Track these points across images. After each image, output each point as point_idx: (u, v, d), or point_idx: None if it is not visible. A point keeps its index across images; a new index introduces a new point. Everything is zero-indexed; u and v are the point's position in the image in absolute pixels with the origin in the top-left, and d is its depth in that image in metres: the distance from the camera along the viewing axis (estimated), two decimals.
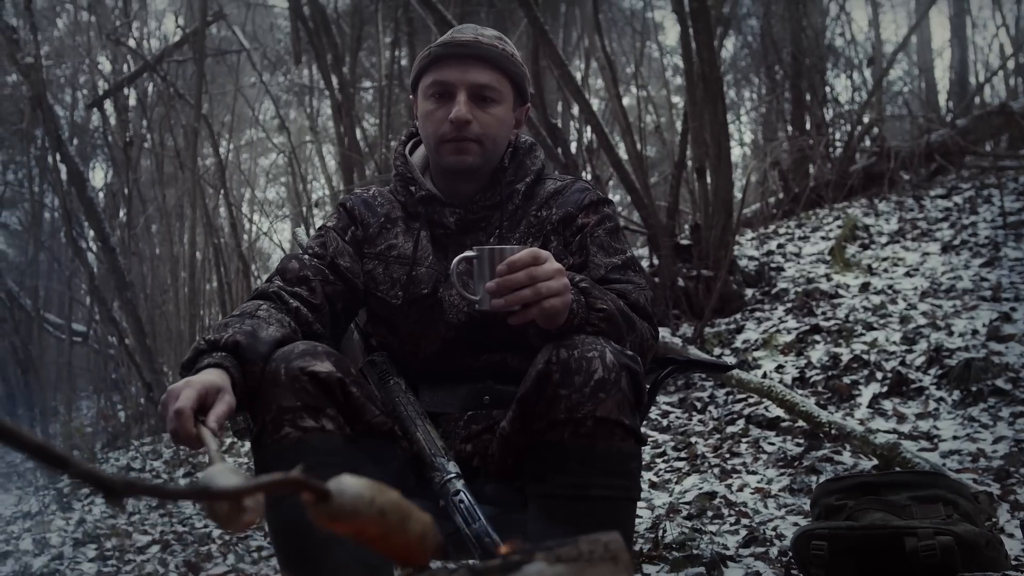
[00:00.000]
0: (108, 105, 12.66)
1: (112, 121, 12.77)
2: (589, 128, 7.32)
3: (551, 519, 1.72)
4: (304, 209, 12.50)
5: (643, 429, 1.84)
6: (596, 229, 2.07)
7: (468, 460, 1.94)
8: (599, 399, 1.69)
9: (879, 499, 2.39)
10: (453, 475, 1.78)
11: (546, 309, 1.68)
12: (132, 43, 12.63)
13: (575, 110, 10.99)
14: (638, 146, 7.47)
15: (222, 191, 11.78)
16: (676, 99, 17.18)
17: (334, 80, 9.60)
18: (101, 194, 14.01)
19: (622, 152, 7.60)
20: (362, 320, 2.29)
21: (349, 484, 0.69)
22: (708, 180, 6.96)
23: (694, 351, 5.60)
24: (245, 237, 13.77)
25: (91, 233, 11.70)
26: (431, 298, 2.07)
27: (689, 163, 7.79)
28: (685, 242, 6.94)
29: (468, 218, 2.11)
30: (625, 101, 9.43)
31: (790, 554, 2.52)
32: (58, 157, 10.27)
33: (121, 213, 12.80)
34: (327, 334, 2.04)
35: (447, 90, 2.05)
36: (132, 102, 13.08)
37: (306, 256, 2.10)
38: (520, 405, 1.79)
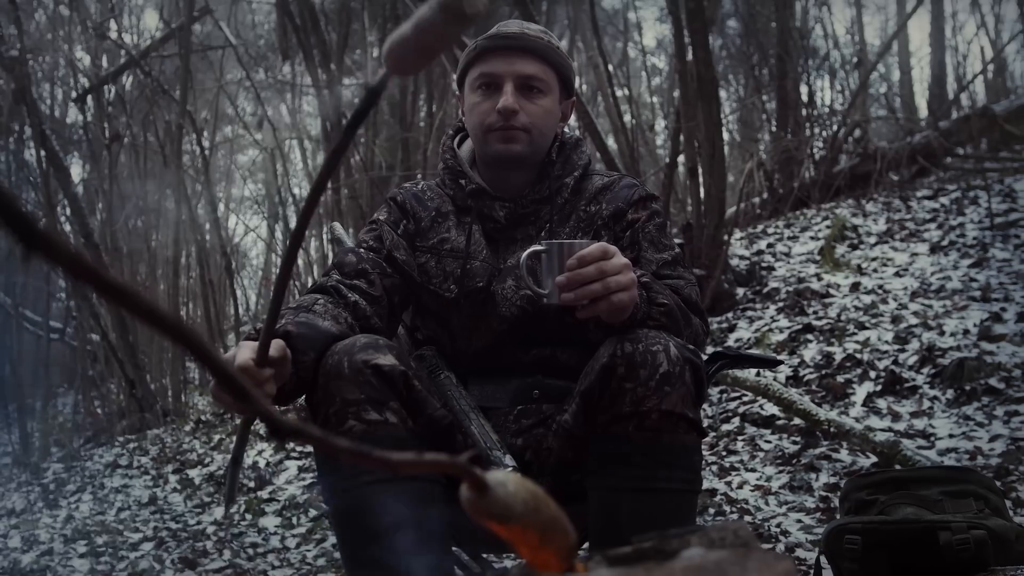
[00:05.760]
0: (88, 100, 12.54)
1: (91, 116, 12.63)
2: (580, 125, 7.31)
3: (614, 512, 1.73)
4: (284, 208, 12.44)
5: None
6: (646, 225, 2.08)
7: (520, 454, 1.94)
8: (664, 392, 1.69)
9: (911, 494, 2.40)
10: (510, 469, 1.78)
11: (614, 303, 1.68)
12: (114, 37, 12.52)
13: None
14: (630, 143, 7.49)
15: (204, 188, 11.72)
16: (655, 99, 17.22)
17: (321, 76, 9.55)
18: (79, 189, 13.88)
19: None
20: (407, 315, 2.29)
21: (507, 487, 0.69)
22: (700, 179, 6.98)
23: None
24: (223, 234, 13.68)
25: (68, 228, 11.60)
26: (484, 292, 2.07)
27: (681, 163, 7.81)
28: (677, 241, 6.94)
29: (518, 212, 2.11)
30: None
31: (818, 548, 2.53)
32: (42, 153, 10.15)
33: (99, 209, 12.68)
34: (384, 327, 2.03)
35: (494, 81, 2.06)
36: (112, 97, 12.97)
37: (362, 250, 2.10)
38: (583, 399, 1.79)
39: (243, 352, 1.61)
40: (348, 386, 1.72)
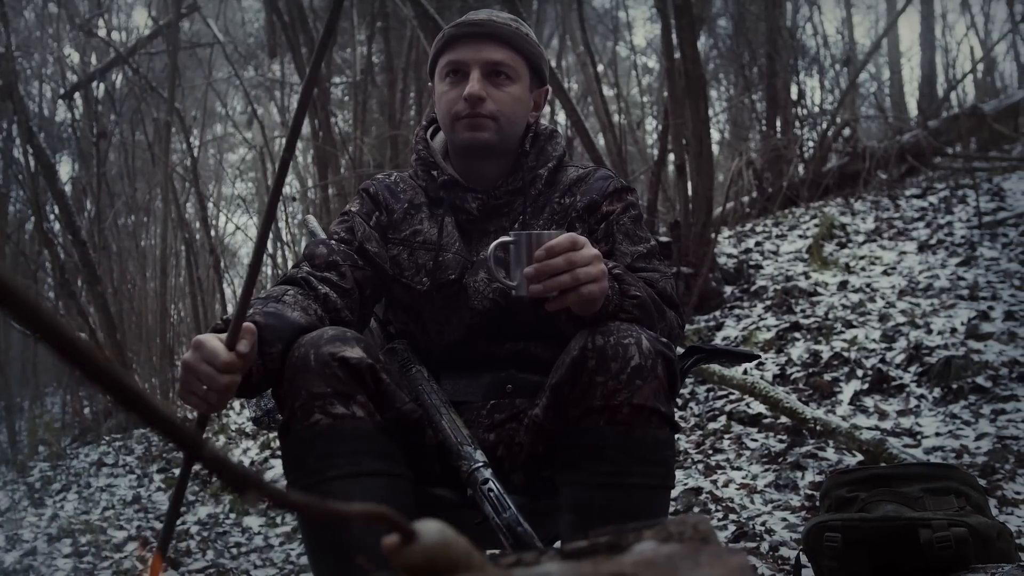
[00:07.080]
0: (76, 97, 12.50)
1: (79, 114, 12.58)
2: (568, 124, 7.29)
3: (585, 507, 1.69)
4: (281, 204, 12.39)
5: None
6: (621, 217, 2.05)
7: (492, 449, 1.90)
8: (636, 386, 1.66)
9: (891, 491, 2.38)
10: (481, 464, 1.75)
11: (584, 295, 1.64)
12: (103, 34, 12.48)
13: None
14: (617, 141, 7.47)
15: (193, 186, 11.68)
16: (645, 98, 17.24)
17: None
18: (68, 187, 13.82)
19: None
20: (379, 308, 2.26)
21: (430, 534, 0.65)
22: (688, 177, 6.97)
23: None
24: (213, 233, 13.64)
25: (57, 226, 11.55)
26: (457, 284, 2.03)
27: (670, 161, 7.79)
28: (664, 239, 6.94)
29: (491, 204, 2.08)
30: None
31: (800, 546, 2.51)
32: (29, 149, 10.10)
33: (88, 206, 12.63)
34: (355, 320, 2.00)
35: (461, 68, 2.03)
36: (100, 94, 12.91)
37: (333, 241, 2.06)
38: (554, 392, 1.76)
39: (211, 342, 1.57)
40: (314, 379, 1.68)
